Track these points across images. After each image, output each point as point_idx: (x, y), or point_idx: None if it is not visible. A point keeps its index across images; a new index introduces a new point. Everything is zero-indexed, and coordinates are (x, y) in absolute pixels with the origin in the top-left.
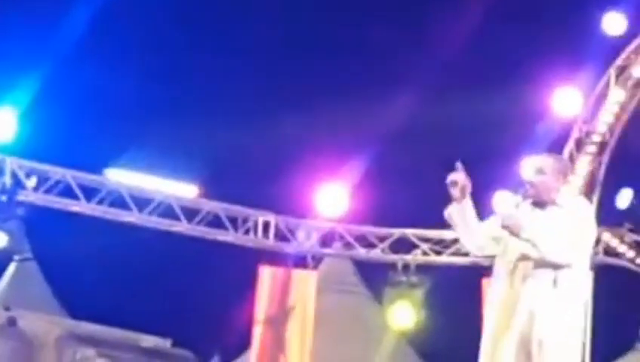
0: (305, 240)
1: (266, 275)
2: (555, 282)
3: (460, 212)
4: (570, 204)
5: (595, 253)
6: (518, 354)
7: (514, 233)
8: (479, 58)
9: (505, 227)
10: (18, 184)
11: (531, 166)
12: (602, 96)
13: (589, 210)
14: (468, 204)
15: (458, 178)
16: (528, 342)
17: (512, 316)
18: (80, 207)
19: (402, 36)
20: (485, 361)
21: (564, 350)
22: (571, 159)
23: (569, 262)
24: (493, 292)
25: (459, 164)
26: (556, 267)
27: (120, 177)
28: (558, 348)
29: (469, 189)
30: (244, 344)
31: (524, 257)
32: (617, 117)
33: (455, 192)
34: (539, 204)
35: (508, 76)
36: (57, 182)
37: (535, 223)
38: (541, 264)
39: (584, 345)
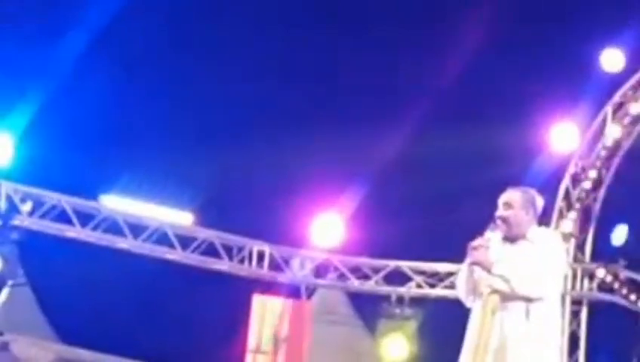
0: (299, 270)
1: (260, 305)
2: (527, 315)
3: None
4: (540, 238)
5: (590, 289)
6: None
7: (485, 269)
8: (476, 92)
9: (475, 263)
10: (13, 208)
11: (501, 201)
12: (599, 132)
13: (559, 243)
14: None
15: (483, 243)
16: None
17: (485, 348)
18: (75, 232)
19: (399, 69)
20: None
21: None
22: (567, 194)
23: (540, 296)
24: (469, 326)
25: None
26: (528, 300)
27: (115, 204)
28: None
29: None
30: None
31: (495, 291)
32: (613, 153)
33: (478, 256)
34: (509, 238)
35: (505, 111)
36: (52, 208)
37: (505, 258)
38: (513, 297)
39: None
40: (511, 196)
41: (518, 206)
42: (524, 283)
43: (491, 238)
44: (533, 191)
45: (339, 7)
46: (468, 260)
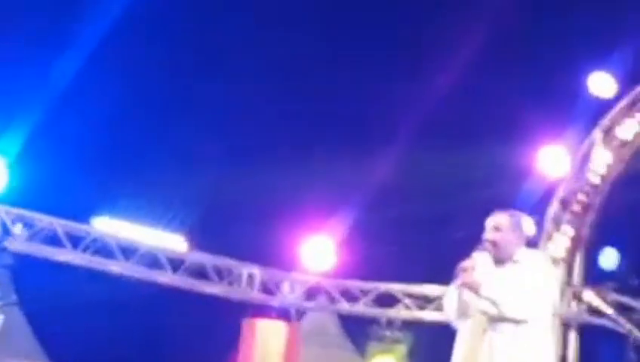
0: (289, 293)
1: (250, 328)
2: (515, 336)
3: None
4: (528, 260)
5: (579, 313)
6: None
7: (473, 291)
8: (466, 115)
9: (464, 285)
10: (5, 231)
11: (489, 224)
12: (588, 156)
13: (547, 265)
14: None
15: (472, 265)
16: None
17: None
18: (66, 255)
19: (389, 93)
20: None
21: None
22: (556, 218)
23: (528, 318)
24: (457, 346)
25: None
26: (516, 321)
27: (107, 226)
28: None
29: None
30: None
31: (484, 313)
32: (603, 177)
33: (466, 278)
34: (497, 260)
35: (495, 134)
36: (44, 230)
37: (494, 280)
38: (501, 319)
39: None
40: (499, 219)
41: (506, 229)
42: (512, 305)
43: (479, 260)
44: (521, 214)
45: (331, 31)
46: (456, 282)
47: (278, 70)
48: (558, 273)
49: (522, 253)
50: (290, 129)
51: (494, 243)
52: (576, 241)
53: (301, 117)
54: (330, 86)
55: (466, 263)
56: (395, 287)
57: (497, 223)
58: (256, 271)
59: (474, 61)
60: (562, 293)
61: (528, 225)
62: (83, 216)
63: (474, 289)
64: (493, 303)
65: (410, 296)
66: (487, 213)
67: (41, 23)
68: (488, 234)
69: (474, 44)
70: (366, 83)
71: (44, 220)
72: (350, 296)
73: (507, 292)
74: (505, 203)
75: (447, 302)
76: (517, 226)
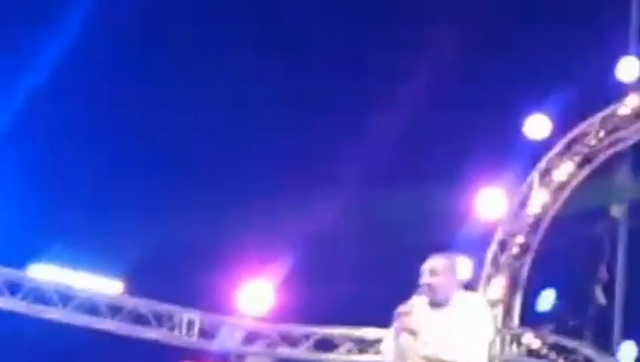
0: (229, 338)
1: None
2: None
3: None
4: (465, 303)
5: (518, 355)
6: None
7: (412, 335)
8: (403, 159)
9: (402, 329)
10: None
11: (425, 268)
12: (526, 198)
13: (484, 308)
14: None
15: (409, 309)
16: None
17: None
18: (3, 302)
19: (331, 135)
20: None
21: None
22: (495, 260)
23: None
24: None
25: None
26: None
27: (44, 273)
28: None
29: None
30: None
31: (423, 357)
32: (540, 218)
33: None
34: (435, 303)
35: (432, 176)
36: None
37: (432, 324)
38: None
39: None
40: (435, 263)
41: (442, 272)
42: (450, 349)
43: (417, 304)
44: (457, 257)
45: (277, 63)
46: (395, 326)
47: (217, 112)
48: (496, 315)
49: (459, 296)
50: (228, 171)
51: (431, 287)
52: (514, 283)
53: (239, 159)
54: (269, 127)
55: (403, 307)
56: (335, 331)
57: (434, 267)
58: (196, 316)
59: (413, 105)
60: (502, 336)
61: (465, 267)
62: (20, 262)
63: (412, 333)
64: (432, 347)
65: (349, 339)
66: (425, 256)
67: None
68: (425, 278)
69: (412, 88)
70: (307, 124)
71: None
72: (290, 341)
73: (445, 336)
74: (443, 246)
75: (386, 347)
76: (453, 269)
